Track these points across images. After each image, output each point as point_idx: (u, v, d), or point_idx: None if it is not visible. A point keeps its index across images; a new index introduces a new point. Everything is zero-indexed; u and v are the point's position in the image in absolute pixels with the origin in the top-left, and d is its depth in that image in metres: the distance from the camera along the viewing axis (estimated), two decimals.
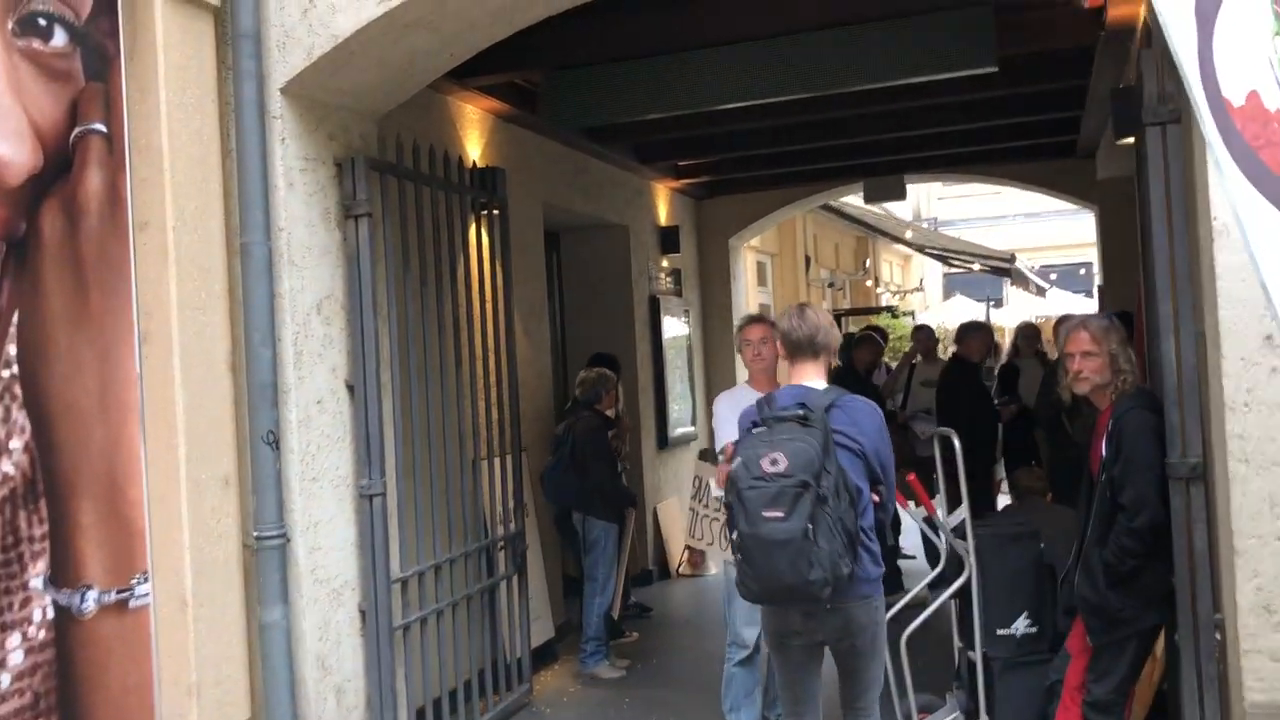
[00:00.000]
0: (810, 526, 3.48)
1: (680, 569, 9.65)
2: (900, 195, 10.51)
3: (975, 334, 7.75)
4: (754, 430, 3.77)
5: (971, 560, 4.60)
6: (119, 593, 3.77)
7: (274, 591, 4.33)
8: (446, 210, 5.53)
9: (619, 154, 8.69)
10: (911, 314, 20.14)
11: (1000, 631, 4.69)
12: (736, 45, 5.83)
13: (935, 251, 15.69)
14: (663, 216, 10.08)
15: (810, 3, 5.67)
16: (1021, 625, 4.67)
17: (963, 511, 4.62)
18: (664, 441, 9.63)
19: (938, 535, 4.84)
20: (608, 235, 9.06)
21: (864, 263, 18.85)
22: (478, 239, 5.86)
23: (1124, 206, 9.52)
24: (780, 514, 3.49)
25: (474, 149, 6.71)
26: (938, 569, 4.85)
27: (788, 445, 3.58)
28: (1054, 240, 29.67)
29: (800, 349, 3.97)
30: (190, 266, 4.11)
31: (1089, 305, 24.39)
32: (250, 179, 4.36)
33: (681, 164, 9.95)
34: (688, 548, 9.70)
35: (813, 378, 3.96)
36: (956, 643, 5.00)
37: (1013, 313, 21.88)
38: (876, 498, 3.82)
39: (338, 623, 4.64)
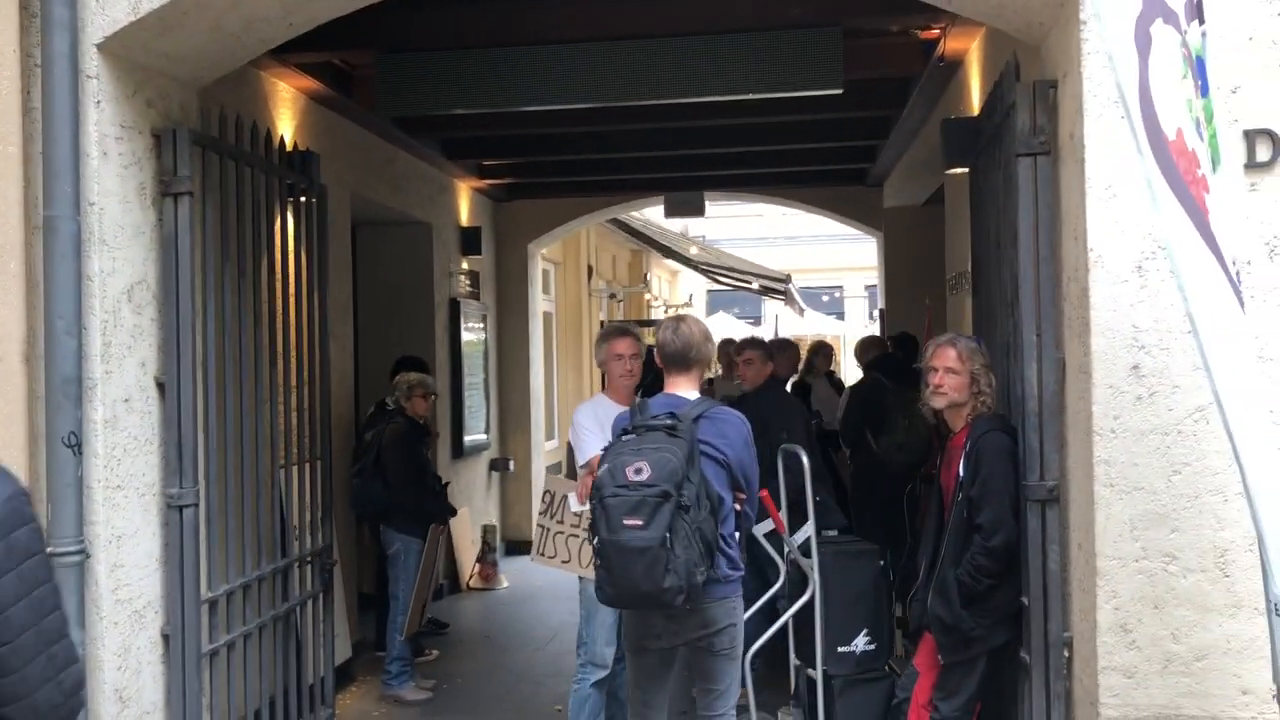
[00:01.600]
0: (668, 535, 3.59)
1: (471, 583, 9.33)
2: (699, 211, 10.62)
3: (786, 351, 7.87)
4: (624, 438, 3.84)
5: (815, 577, 4.59)
6: None
7: (70, 615, 3.78)
8: (266, 194, 5.07)
9: (427, 148, 8.33)
10: None
11: (840, 649, 4.72)
12: (579, 45, 5.65)
13: (715, 269, 16.02)
14: (464, 216, 9.75)
15: (659, 9, 5.57)
16: (861, 642, 4.72)
17: (808, 528, 4.62)
18: (459, 450, 9.30)
19: (779, 551, 4.82)
20: (411, 232, 8.67)
21: (644, 276, 19.02)
22: (296, 228, 5.41)
23: (908, 233, 10.03)
24: (640, 522, 3.59)
25: (285, 130, 6.21)
26: (776, 585, 4.83)
27: (652, 455, 3.68)
28: (807, 264, 31.07)
29: (675, 361, 4.04)
30: None
31: (839, 326, 25.76)
32: (58, 145, 3.82)
33: (486, 163, 9.66)
34: (478, 560, 9.40)
35: (685, 388, 4.02)
36: (793, 661, 4.99)
37: (766, 332, 22.73)
38: (739, 506, 3.88)
39: (139, 649, 4.13)
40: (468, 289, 9.76)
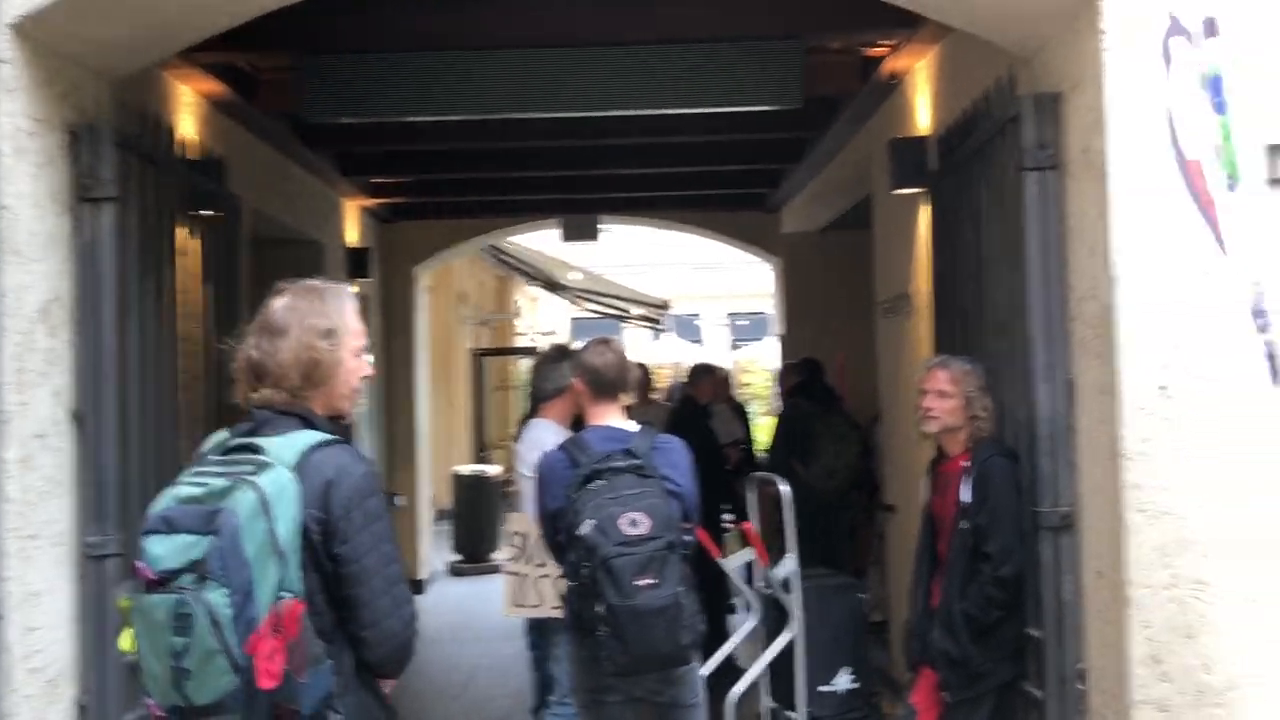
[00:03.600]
0: (680, 589, 3.33)
1: None
2: (592, 235, 10.34)
3: (707, 376, 7.66)
4: (590, 485, 3.45)
5: (798, 614, 4.35)
6: None
7: None
8: (180, 203, 4.55)
9: (323, 162, 7.81)
10: None
11: (822, 689, 4.48)
12: (533, 50, 5.32)
13: (593, 296, 15.78)
14: (352, 236, 9.22)
15: (607, 15, 5.29)
16: (844, 681, 4.50)
17: (790, 562, 4.37)
18: None
19: (753, 587, 4.55)
20: (303, 252, 8.09)
21: (514, 301, 18.62)
22: (206, 242, 4.89)
23: (807, 259, 9.99)
24: (654, 581, 3.30)
25: (185, 135, 5.64)
26: (748, 624, 4.56)
27: (642, 502, 3.38)
28: (666, 292, 31.14)
29: (608, 388, 3.75)
30: None
31: (700, 353, 25.83)
32: None
33: (377, 181, 9.16)
34: None
35: (617, 418, 3.71)
36: (767, 703, 4.72)
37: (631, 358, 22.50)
38: (686, 537, 3.62)
39: None
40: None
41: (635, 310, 15.99)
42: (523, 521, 4.25)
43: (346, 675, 2.25)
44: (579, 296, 16.13)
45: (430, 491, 11.41)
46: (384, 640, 2.27)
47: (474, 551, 11.75)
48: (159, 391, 4.19)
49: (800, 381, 7.43)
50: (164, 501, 2.20)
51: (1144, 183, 3.37)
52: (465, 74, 5.50)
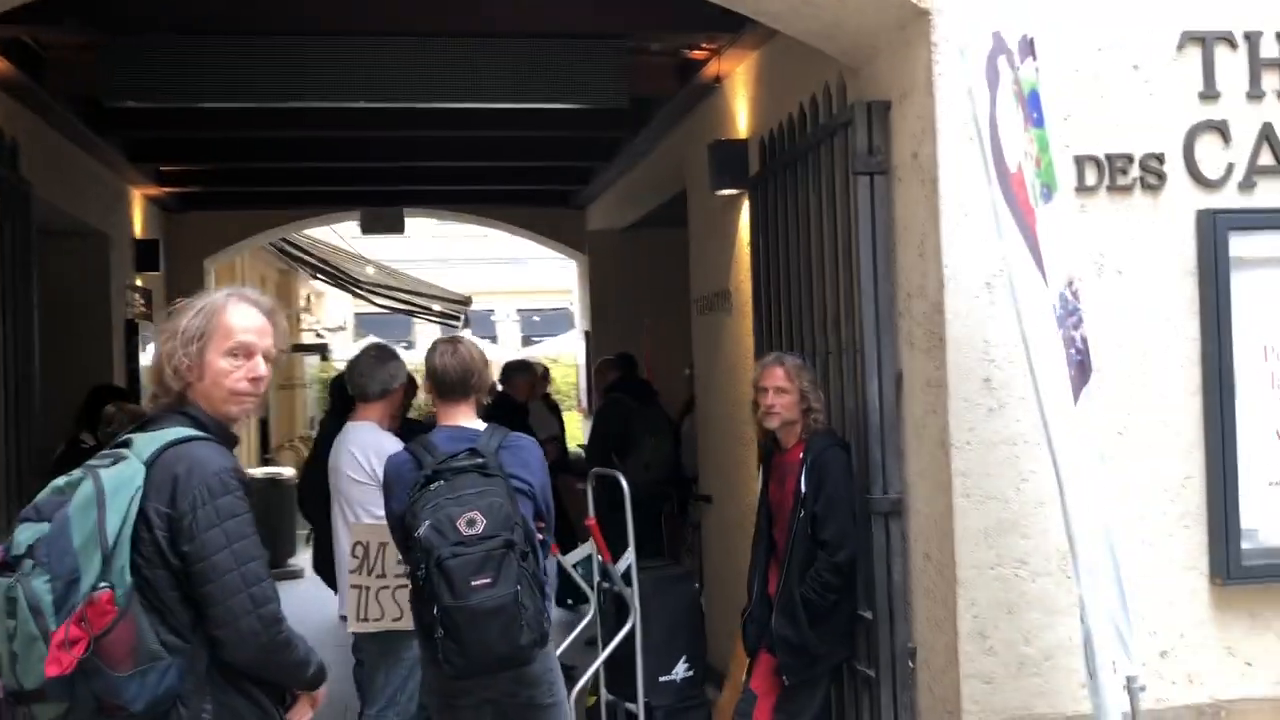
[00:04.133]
0: (518, 589, 3.27)
1: None
2: (399, 228, 10.12)
3: (522, 373, 7.63)
4: (430, 485, 3.38)
5: (636, 605, 4.41)
6: None
7: None
8: None
9: (110, 147, 7.31)
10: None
11: (662, 678, 4.55)
12: (351, 38, 5.15)
13: (387, 290, 15.39)
14: (139, 227, 8.68)
15: (431, 5, 5.20)
16: (681, 670, 4.58)
17: (629, 556, 4.43)
18: None
19: (590, 582, 4.59)
20: (89, 244, 7.58)
21: (297, 297, 17.94)
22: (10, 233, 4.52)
23: (613, 257, 10.10)
24: (489, 580, 3.24)
25: None
26: (588, 617, 4.60)
27: (479, 501, 3.32)
28: (458, 288, 30.77)
29: (455, 388, 3.65)
30: None
31: (492, 350, 25.66)
32: None
33: (166, 169, 8.66)
34: None
35: (467, 418, 3.66)
36: (605, 695, 4.76)
37: (420, 355, 22.15)
38: (540, 536, 3.61)
39: None
40: (143, 309, 8.70)
41: (436, 306, 15.67)
42: (361, 531, 4.11)
43: (199, 676, 2.23)
44: (371, 291, 15.70)
45: None
46: (240, 641, 2.24)
47: (268, 558, 11.28)
48: None
49: (619, 377, 7.51)
50: (44, 491, 2.27)
51: (970, 190, 3.60)
52: (280, 60, 5.28)
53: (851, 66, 4.23)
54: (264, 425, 17.45)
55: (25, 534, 2.18)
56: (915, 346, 3.85)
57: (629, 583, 4.44)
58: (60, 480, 2.26)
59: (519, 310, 28.29)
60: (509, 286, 26.68)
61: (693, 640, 4.66)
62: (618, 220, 9.73)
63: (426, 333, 26.42)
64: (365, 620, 4.04)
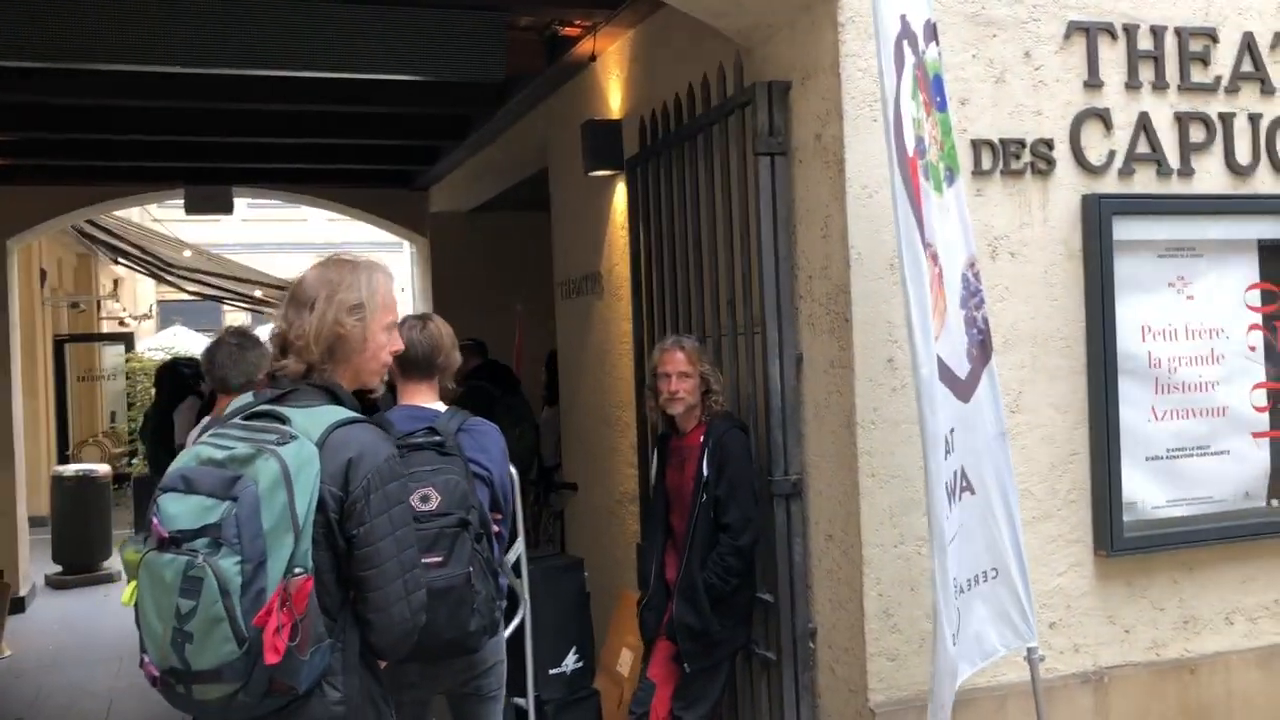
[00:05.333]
0: (470, 570, 3.14)
1: None
2: (227, 208, 9.55)
3: None
4: None
5: (526, 597, 4.27)
6: None
7: None
8: None
9: None
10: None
11: (552, 671, 4.42)
12: None
13: (196, 274, 14.54)
14: None
15: None
16: (571, 661, 4.46)
17: (520, 546, 4.27)
18: None
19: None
20: None
21: (112, 283, 16.80)
22: None
23: (458, 240, 9.85)
24: (439, 559, 3.08)
25: None
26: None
27: (435, 478, 3.17)
28: (274, 272, 29.52)
29: (419, 366, 3.53)
30: None
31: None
32: None
33: None
34: None
35: (428, 398, 3.53)
36: None
37: None
38: (496, 528, 3.50)
39: None
40: None
41: (257, 292, 14.93)
42: None
43: (349, 655, 2.22)
44: (183, 277, 14.83)
45: (27, 495, 10.06)
46: (391, 626, 2.24)
47: (79, 561, 10.52)
48: None
49: (480, 363, 7.28)
50: (184, 460, 2.20)
51: (873, 171, 3.62)
52: (102, 16, 4.84)
53: (746, 46, 4.19)
54: (62, 420, 16.33)
55: (176, 506, 2.11)
56: (816, 328, 3.85)
57: (519, 574, 4.28)
58: (207, 450, 2.18)
59: None
60: None
61: (582, 630, 4.55)
62: (464, 202, 9.48)
63: (236, 320, 25.26)
64: None
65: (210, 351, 4.56)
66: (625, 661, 5.10)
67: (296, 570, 2.08)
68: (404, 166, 9.47)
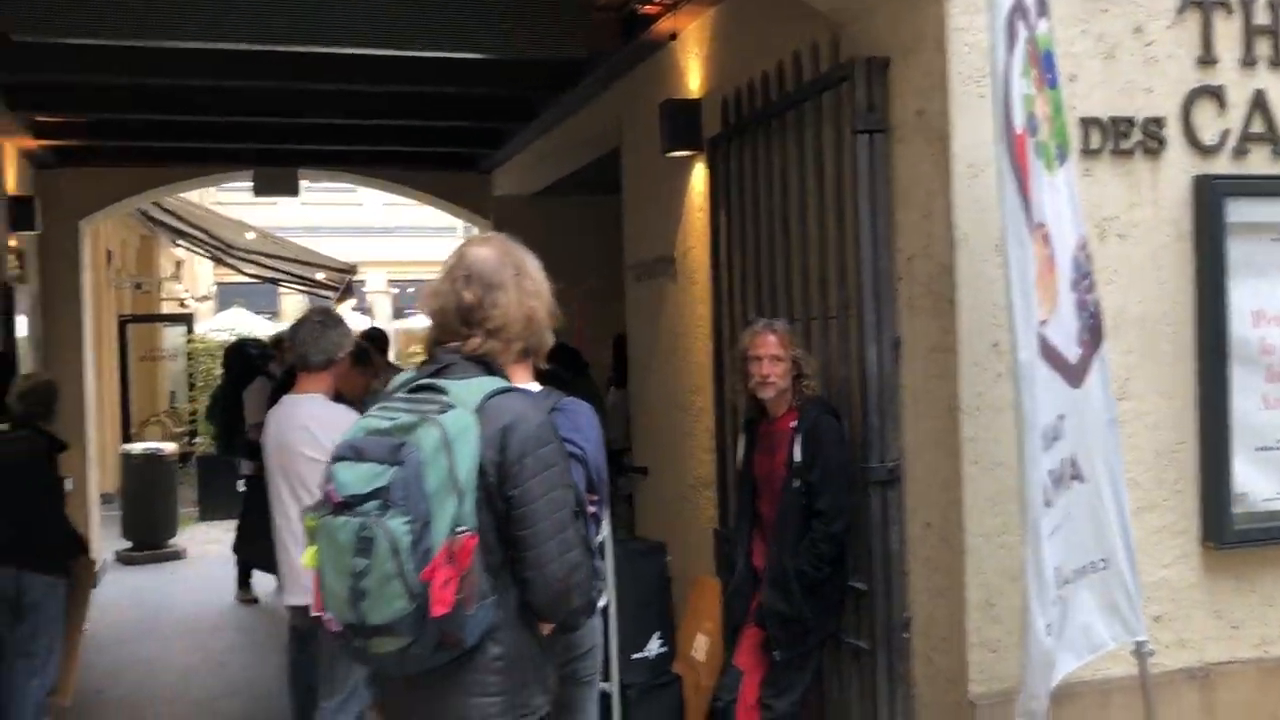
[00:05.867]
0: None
1: None
2: (293, 190, 9.59)
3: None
4: None
5: (611, 582, 4.22)
6: None
7: None
8: None
9: None
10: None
11: (635, 656, 4.37)
12: None
13: (257, 257, 14.66)
14: (12, 183, 7.98)
15: None
16: (655, 646, 4.41)
17: (606, 528, 4.22)
18: None
19: None
20: None
21: (176, 264, 16.97)
22: None
23: (523, 223, 9.79)
24: None
25: None
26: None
27: None
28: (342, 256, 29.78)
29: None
30: None
31: (364, 321, 24.88)
32: None
33: (42, 119, 7.97)
34: None
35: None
36: None
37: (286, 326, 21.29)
38: (592, 509, 3.42)
39: None
40: (19, 271, 8.02)
41: (319, 275, 15.01)
42: None
43: (509, 612, 2.31)
44: (242, 259, 14.95)
45: (97, 473, 10.20)
46: (547, 584, 2.32)
47: (147, 538, 10.66)
48: None
49: (552, 347, 7.24)
50: (354, 432, 2.33)
51: (979, 149, 3.51)
52: None
53: (839, 22, 4.09)
54: (124, 400, 16.55)
55: (348, 474, 2.22)
56: (916, 310, 3.76)
57: (603, 556, 4.24)
58: (374, 421, 2.30)
59: (390, 281, 27.53)
60: (380, 257, 25.91)
61: (664, 614, 4.50)
62: (529, 185, 9.42)
63: (293, 303, 25.48)
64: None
65: (294, 328, 4.60)
66: (700, 647, 5.05)
67: (460, 529, 2.20)
68: (469, 150, 9.44)
